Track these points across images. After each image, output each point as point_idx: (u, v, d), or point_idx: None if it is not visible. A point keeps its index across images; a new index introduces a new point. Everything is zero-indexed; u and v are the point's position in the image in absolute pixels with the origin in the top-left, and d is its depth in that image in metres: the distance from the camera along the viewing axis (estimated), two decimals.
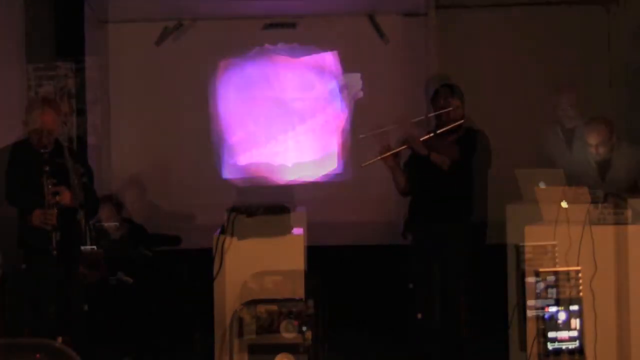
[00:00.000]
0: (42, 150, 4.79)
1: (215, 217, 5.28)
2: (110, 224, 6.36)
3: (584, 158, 5.51)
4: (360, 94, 7.40)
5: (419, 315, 5.53)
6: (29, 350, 2.58)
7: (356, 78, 7.43)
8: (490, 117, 6.14)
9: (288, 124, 7.43)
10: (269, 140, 7.42)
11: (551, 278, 4.35)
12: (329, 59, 7.44)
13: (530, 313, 4.35)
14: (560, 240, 4.62)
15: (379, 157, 5.44)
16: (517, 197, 5.24)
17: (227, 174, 7.44)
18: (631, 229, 4.74)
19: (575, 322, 4.36)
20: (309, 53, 7.44)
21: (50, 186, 4.75)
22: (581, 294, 4.38)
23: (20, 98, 6.39)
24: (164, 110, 7.38)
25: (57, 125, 5.07)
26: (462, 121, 5.51)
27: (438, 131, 5.48)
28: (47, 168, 4.76)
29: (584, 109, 5.85)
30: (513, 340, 4.74)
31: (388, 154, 5.42)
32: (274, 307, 4.65)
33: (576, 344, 4.35)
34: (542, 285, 4.34)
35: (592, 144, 5.42)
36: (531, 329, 4.36)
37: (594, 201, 4.83)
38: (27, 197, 4.84)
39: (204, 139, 7.38)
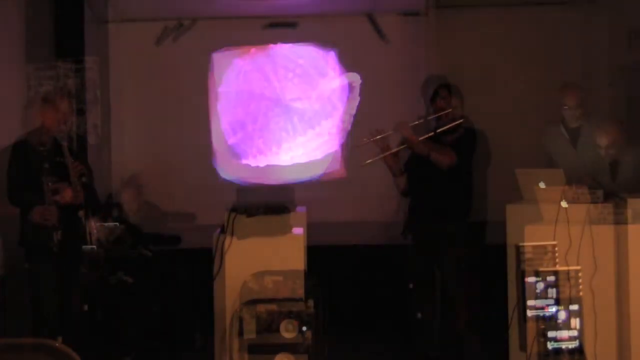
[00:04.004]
0: (40, 148, 4.81)
1: (215, 217, 5.28)
2: (109, 224, 6.35)
3: (592, 157, 5.48)
4: (360, 94, 7.40)
5: (419, 315, 5.53)
6: (29, 350, 2.57)
7: (356, 78, 7.42)
8: (490, 117, 6.13)
9: (288, 123, 7.43)
10: (268, 140, 7.42)
11: (551, 278, 4.36)
12: (328, 58, 7.44)
13: (530, 313, 4.35)
14: (560, 240, 4.62)
15: (378, 157, 5.45)
16: (517, 197, 5.24)
17: (227, 173, 7.43)
18: (631, 229, 4.73)
19: (575, 322, 4.36)
20: (309, 53, 7.44)
21: (50, 184, 4.77)
22: (581, 293, 4.38)
23: (20, 98, 6.38)
24: (164, 110, 7.38)
25: (55, 123, 5.08)
26: (462, 121, 5.52)
27: (437, 131, 5.48)
28: (46, 165, 4.77)
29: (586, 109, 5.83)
30: (513, 340, 4.73)
31: (387, 153, 5.43)
32: (274, 307, 4.65)
33: (576, 343, 4.35)
34: (542, 285, 4.35)
35: (602, 146, 5.36)
36: (531, 329, 4.36)
37: (594, 201, 4.83)
38: (28, 195, 4.84)
39: (204, 138, 7.37)
